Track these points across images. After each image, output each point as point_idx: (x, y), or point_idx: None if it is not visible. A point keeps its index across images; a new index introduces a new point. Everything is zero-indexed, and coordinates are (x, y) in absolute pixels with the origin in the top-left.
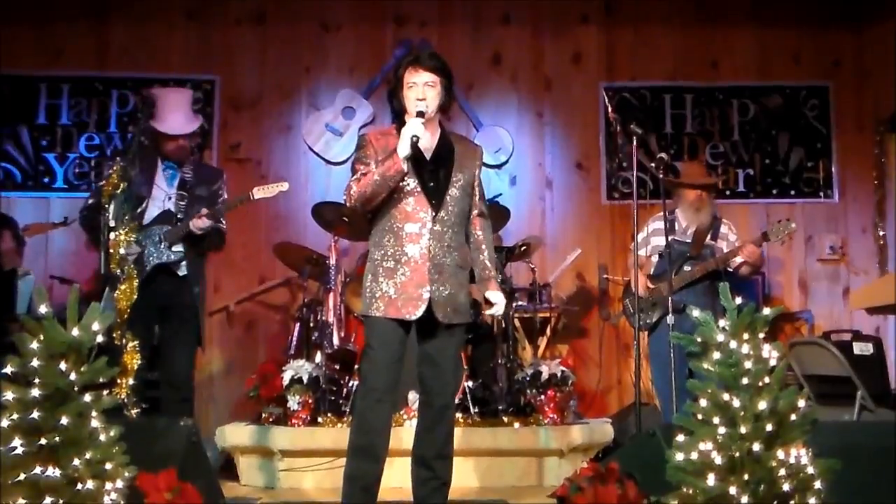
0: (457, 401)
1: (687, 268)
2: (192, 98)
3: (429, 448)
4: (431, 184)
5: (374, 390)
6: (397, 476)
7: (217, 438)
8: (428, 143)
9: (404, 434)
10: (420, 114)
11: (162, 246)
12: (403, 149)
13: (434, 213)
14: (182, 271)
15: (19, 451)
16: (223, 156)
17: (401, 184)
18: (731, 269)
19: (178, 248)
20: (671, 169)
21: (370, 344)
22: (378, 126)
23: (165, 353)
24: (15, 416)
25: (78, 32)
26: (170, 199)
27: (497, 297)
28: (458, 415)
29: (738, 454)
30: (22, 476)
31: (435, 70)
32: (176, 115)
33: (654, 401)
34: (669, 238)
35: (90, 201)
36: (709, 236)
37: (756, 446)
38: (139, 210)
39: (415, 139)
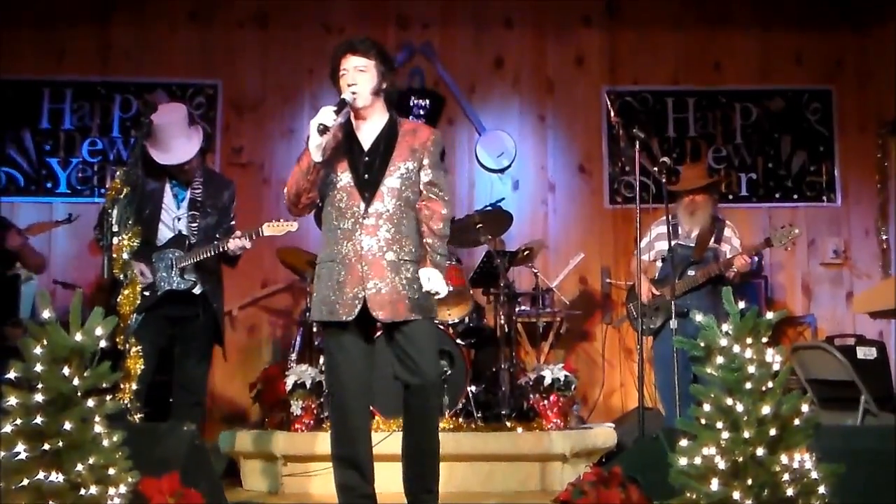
0: (459, 405)
1: (690, 272)
2: (186, 114)
3: (410, 446)
4: (365, 175)
5: (341, 398)
6: (396, 482)
7: (220, 443)
8: (369, 133)
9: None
10: (341, 102)
11: (173, 272)
12: (312, 139)
13: (366, 206)
14: (197, 290)
15: (22, 456)
16: (226, 159)
17: (335, 179)
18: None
19: (190, 275)
20: (673, 172)
21: (328, 351)
22: None
23: (181, 357)
24: (18, 421)
25: (80, 36)
26: (179, 220)
27: (429, 274)
28: (461, 419)
29: (741, 458)
30: (25, 481)
31: (366, 53)
32: (176, 142)
33: (657, 405)
34: (673, 242)
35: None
36: (712, 239)
37: (759, 451)
38: (150, 228)
39: (321, 128)
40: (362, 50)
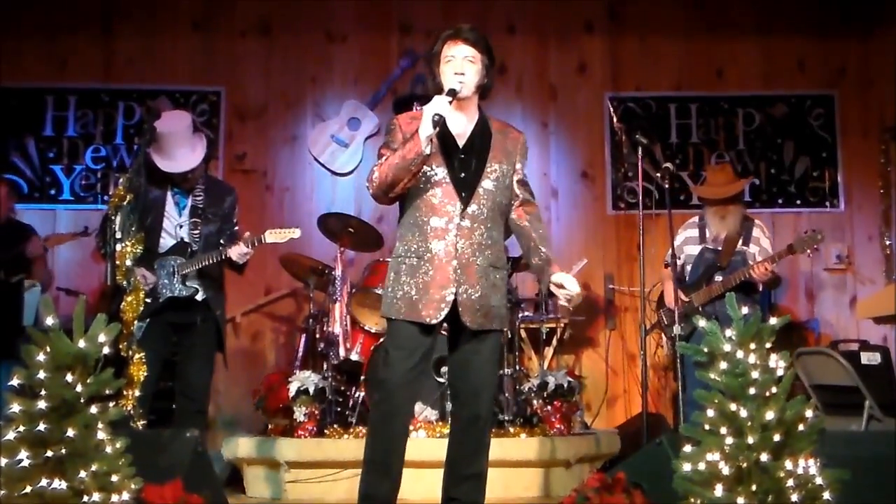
0: None
1: (718, 277)
2: (191, 122)
3: (455, 464)
4: (462, 174)
5: (389, 400)
6: (404, 488)
7: (223, 450)
8: (462, 128)
9: (411, 445)
10: (452, 91)
11: (175, 279)
12: (425, 128)
13: (463, 207)
14: (199, 297)
15: (25, 463)
16: (229, 166)
17: (429, 173)
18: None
19: (192, 282)
20: (676, 178)
21: (389, 349)
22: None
23: (184, 364)
24: (21, 428)
25: (84, 44)
26: (181, 227)
27: (566, 279)
28: None
29: (745, 464)
30: (28, 488)
31: (476, 44)
32: (181, 151)
33: (661, 410)
34: (701, 246)
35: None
36: (740, 242)
37: (764, 456)
38: (152, 236)
39: (437, 118)
40: (472, 40)
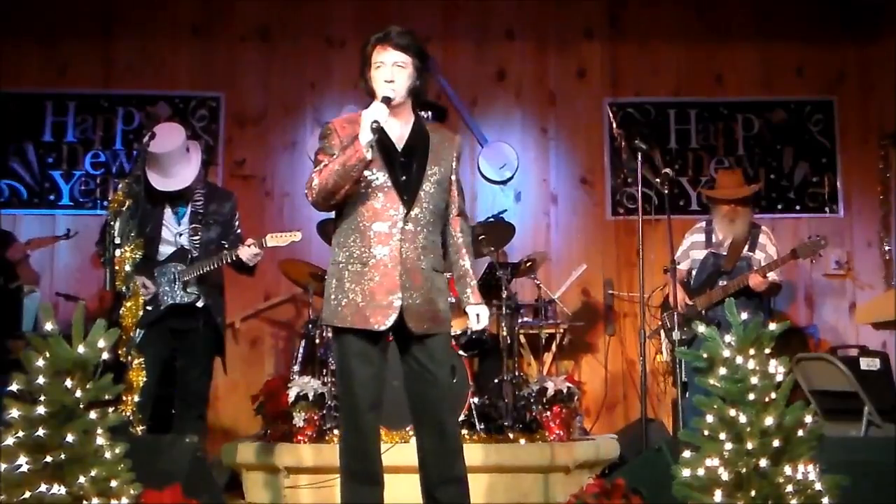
0: (462, 417)
1: (722, 282)
2: (184, 137)
3: (432, 474)
4: (403, 178)
5: (354, 412)
6: (399, 494)
7: (223, 455)
8: (399, 131)
9: (409, 451)
10: (386, 99)
11: (177, 286)
12: (364, 135)
13: (406, 211)
14: (200, 304)
15: (25, 468)
16: (228, 172)
17: (370, 178)
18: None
19: (193, 289)
20: (676, 184)
21: (342, 360)
22: None
23: (184, 370)
24: (20, 434)
25: (83, 50)
26: (181, 235)
27: (479, 311)
28: (464, 431)
29: (744, 470)
30: (27, 494)
31: (406, 49)
32: (176, 168)
33: (660, 416)
34: (707, 251)
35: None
36: (746, 247)
37: (763, 462)
38: (150, 245)
39: (375, 125)
40: (402, 45)
